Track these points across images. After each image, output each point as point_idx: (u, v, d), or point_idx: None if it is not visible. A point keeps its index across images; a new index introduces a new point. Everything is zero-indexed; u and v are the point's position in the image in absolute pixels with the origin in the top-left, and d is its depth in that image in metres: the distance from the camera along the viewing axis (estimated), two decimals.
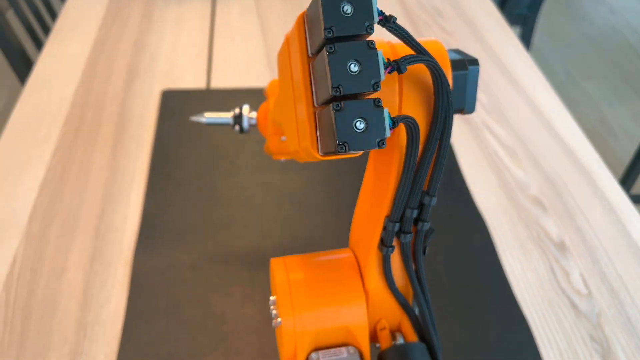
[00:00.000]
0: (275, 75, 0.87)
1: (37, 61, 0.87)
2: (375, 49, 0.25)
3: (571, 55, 2.44)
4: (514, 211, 0.66)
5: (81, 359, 0.51)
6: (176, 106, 0.78)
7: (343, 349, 0.36)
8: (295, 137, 0.30)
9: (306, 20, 0.27)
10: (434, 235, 0.35)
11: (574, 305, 0.57)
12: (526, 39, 1.75)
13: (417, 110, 0.31)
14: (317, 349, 0.36)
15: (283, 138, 0.49)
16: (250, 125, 0.56)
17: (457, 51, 0.33)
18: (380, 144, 0.26)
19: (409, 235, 0.34)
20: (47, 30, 1.19)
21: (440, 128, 0.30)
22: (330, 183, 0.68)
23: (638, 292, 0.58)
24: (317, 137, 0.28)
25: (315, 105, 0.28)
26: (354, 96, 0.26)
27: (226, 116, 0.56)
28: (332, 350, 0.36)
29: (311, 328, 0.35)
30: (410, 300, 0.38)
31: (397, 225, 0.34)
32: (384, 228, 0.34)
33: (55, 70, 0.85)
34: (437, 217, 0.64)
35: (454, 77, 0.32)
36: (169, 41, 0.92)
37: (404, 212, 0.33)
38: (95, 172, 0.68)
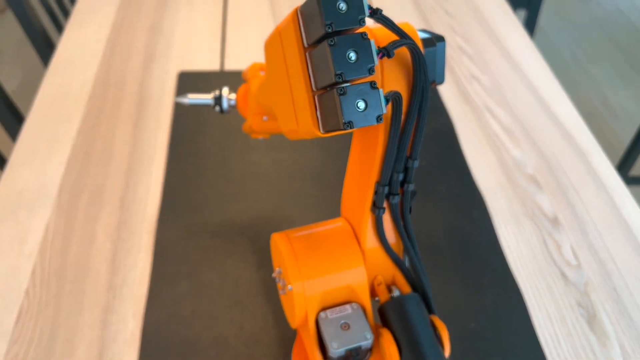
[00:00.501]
0: None
1: (58, 43, 0.91)
2: (369, 39, 0.29)
3: (576, 37, 2.46)
4: (510, 188, 0.70)
5: (112, 317, 0.56)
6: (192, 87, 0.82)
7: (347, 306, 0.41)
8: (291, 118, 0.35)
9: (301, 16, 0.31)
10: (417, 196, 0.40)
11: (563, 275, 0.61)
12: (531, 22, 1.77)
13: (397, 85, 0.35)
14: (324, 309, 0.41)
15: (265, 118, 0.54)
16: (230, 106, 0.60)
17: (425, 30, 0.38)
18: (379, 119, 0.31)
19: (397, 196, 0.39)
20: (66, 13, 1.23)
21: (419, 99, 0.35)
22: (339, 160, 0.72)
23: (624, 264, 0.63)
24: (317, 118, 0.32)
25: (314, 89, 0.32)
26: (354, 81, 0.30)
27: (207, 97, 0.60)
28: (337, 308, 0.41)
29: (318, 291, 0.40)
30: (401, 255, 0.42)
31: (387, 188, 0.38)
32: (375, 192, 0.38)
33: (76, 52, 0.89)
34: (439, 193, 0.68)
35: (425, 54, 0.36)
36: (184, 25, 0.96)
37: (391, 176, 0.38)
38: (118, 148, 0.73)
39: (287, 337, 0.54)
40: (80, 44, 0.91)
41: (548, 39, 2.44)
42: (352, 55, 0.29)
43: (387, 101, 0.32)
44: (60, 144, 0.73)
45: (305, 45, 0.32)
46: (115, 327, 0.55)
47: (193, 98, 0.60)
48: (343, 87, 0.30)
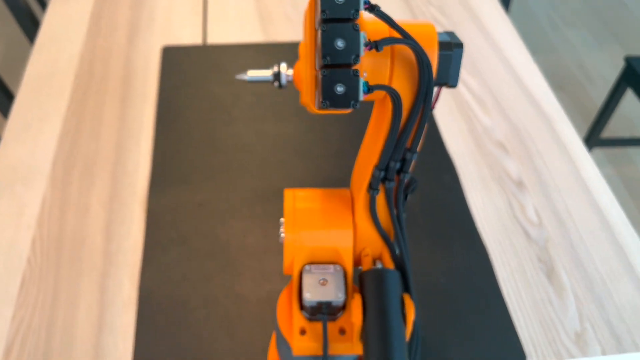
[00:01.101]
0: (266, 32, 0.93)
1: (43, 20, 0.93)
2: (359, 31, 0.32)
3: (553, 1, 2.48)
4: (479, 154, 0.75)
5: (109, 282, 0.60)
6: (176, 61, 0.85)
7: (331, 266, 0.45)
8: (304, 92, 0.38)
9: None
10: (416, 186, 0.43)
11: (526, 233, 0.67)
12: None
13: (404, 81, 0.38)
14: (311, 263, 0.45)
15: None
16: (287, 82, 0.63)
17: (449, 33, 0.40)
18: (354, 105, 0.34)
19: (392, 182, 0.42)
20: None
21: (422, 97, 0.38)
22: (319, 131, 0.76)
23: (581, 222, 0.68)
24: (315, 95, 0.36)
25: (316, 69, 0.35)
26: (339, 66, 0.33)
27: (266, 74, 0.62)
28: (322, 265, 0.45)
29: (307, 244, 0.44)
30: (392, 236, 0.45)
31: (382, 173, 0.41)
32: (372, 174, 0.42)
33: (61, 29, 0.91)
34: None
35: (441, 56, 0.38)
36: None
37: (388, 163, 0.41)
38: (107, 123, 0.76)
39: (273, 296, 0.59)
40: (65, 20, 0.93)
41: (525, 3, 2.47)
42: (340, 43, 0.32)
43: (368, 90, 0.35)
44: (51, 120, 0.76)
45: (315, 27, 0.34)
46: (112, 291, 0.59)
47: (253, 75, 0.62)
48: (327, 70, 0.33)
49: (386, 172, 0.41)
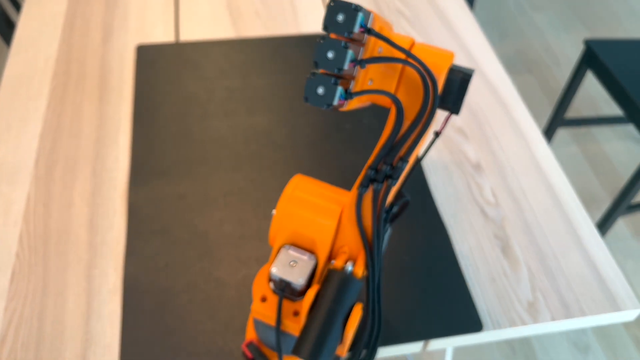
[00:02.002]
0: (237, 29, 0.96)
1: (18, 22, 0.95)
2: (348, 49, 0.38)
3: None
4: (440, 139, 0.80)
5: (95, 272, 0.64)
6: (151, 59, 0.88)
7: (307, 253, 0.49)
8: None
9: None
10: (408, 206, 0.47)
11: (483, 213, 0.72)
12: None
13: (409, 95, 0.43)
14: (291, 245, 0.49)
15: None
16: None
17: (468, 68, 0.44)
18: (328, 106, 0.40)
19: (380, 184, 0.45)
20: None
21: (424, 113, 0.42)
22: (289, 124, 0.80)
23: (535, 201, 0.74)
24: None
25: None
26: (327, 73, 0.39)
27: None
28: (300, 250, 0.49)
29: (290, 225, 0.48)
30: (370, 245, 0.47)
31: (373, 172, 0.45)
32: (365, 172, 0.46)
33: (37, 30, 0.93)
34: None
35: (446, 82, 0.43)
36: None
37: (380, 165, 0.45)
38: (86, 121, 0.79)
39: (250, 280, 0.64)
40: (39, 21, 0.95)
41: None
42: (330, 54, 0.39)
43: (347, 97, 0.40)
44: (31, 120, 0.79)
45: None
46: (98, 280, 0.63)
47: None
48: (315, 72, 0.39)
49: (376, 172, 0.45)
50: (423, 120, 0.43)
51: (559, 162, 1.83)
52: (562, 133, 1.91)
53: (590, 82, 2.10)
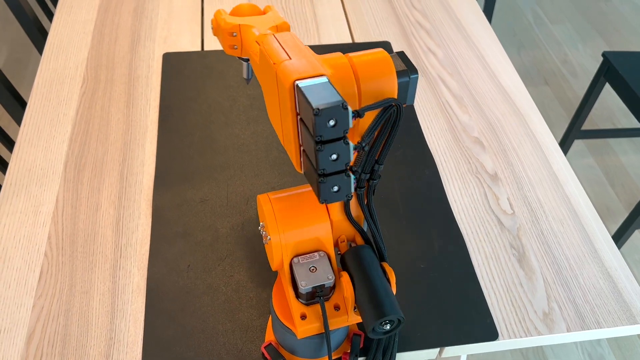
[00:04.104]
0: None
1: (50, 29, 0.98)
2: (348, 148, 0.38)
3: None
4: (458, 150, 0.81)
5: (120, 272, 0.66)
6: (176, 67, 0.91)
7: (315, 253, 0.51)
8: (277, 128, 0.45)
9: (297, 93, 0.39)
10: (379, 179, 0.49)
11: (500, 222, 0.73)
12: None
13: (373, 113, 0.43)
14: (297, 255, 0.51)
15: (235, 47, 0.60)
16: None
17: (402, 55, 0.45)
18: (348, 197, 0.41)
19: (362, 189, 0.48)
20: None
21: (390, 127, 0.44)
22: None
23: (551, 211, 0.74)
24: (300, 162, 0.43)
25: (301, 144, 0.42)
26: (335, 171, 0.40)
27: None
28: (307, 255, 0.51)
29: (292, 241, 0.50)
30: (362, 222, 0.52)
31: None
32: None
33: (67, 37, 0.96)
34: (396, 158, 0.79)
35: (399, 84, 0.43)
36: (165, 6, 1.04)
37: (360, 175, 0.46)
38: (114, 126, 0.82)
39: (269, 282, 0.65)
40: (70, 29, 0.98)
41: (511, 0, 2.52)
42: (334, 157, 0.39)
43: (354, 116, 0.41)
44: (61, 124, 0.82)
45: (297, 112, 0.40)
46: (123, 280, 0.65)
47: None
48: (325, 178, 0.39)
49: (358, 182, 0.47)
50: (388, 133, 0.44)
51: (576, 174, 1.83)
52: (578, 144, 1.91)
53: (608, 94, 2.09)
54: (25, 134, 0.80)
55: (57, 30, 0.98)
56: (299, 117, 0.40)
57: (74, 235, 0.69)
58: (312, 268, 0.50)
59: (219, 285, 0.65)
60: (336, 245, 0.53)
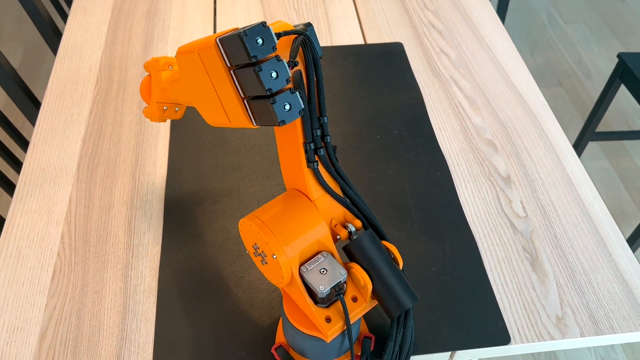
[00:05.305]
0: None
1: (64, 30, 0.99)
2: (282, 60, 0.41)
3: None
4: (470, 152, 0.80)
5: (131, 272, 0.66)
6: None
7: (319, 255, 0.51)
8: (221, 116, 0.47)
9: (221, 45, 0.43)
10: (337, 149, 0.50)
11: (512, 225, 0.72)
12: None
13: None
14: (302, 263, 0.50)
15: (165, 108, 0.66)
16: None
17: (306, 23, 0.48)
18: (301, 112, 0.43)
19: (322, 149, 0.49)
20: (69, 1, 1.30)
21: (313, 70, 0.46)
22: None
23: (564, 215, 0.74)
24: (250, 116, 0.44)
25: (242, 96, 0.44)
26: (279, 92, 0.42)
27: None
28: (312, 259, 0.51)
29: (297, 251, 0.49)
30: (339, 192, 0.52)
31: (312, 144, 0.48)
32: (305, 151, 0.48)
33: (82, 38, 0.97)
34: (408, 159, 0.79)
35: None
36: (177, 8, 1.04)
37: (312, 133, 0.48)
38: (127, 126, 0.82)
39: None
40: (84, 30, 0.99)
41: (525, 0, 2.50)
42: (274, 74, 0.42)
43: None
44: (75, 125, 0.82)
45: (228, 65, 0.43)
46: (135, 280, 0.66)
47: None
48: (274, 98, 0.42)
49: (314, 142, 0.48)
50: (316, 78, 0.46)
51: (590, 176, 1.81)
52: (592, 146, 1.89)
53: (623, 95, 2.07)
54: (40, 134, 0.81)
55: (72, 32, 0.99)
56: (231, 70, 0.44)
57: (87, 235, 0.70)
58: (322, 270, 0.50)
59: (230, 286, 0.65)
60: (332, 233, 0.53)
